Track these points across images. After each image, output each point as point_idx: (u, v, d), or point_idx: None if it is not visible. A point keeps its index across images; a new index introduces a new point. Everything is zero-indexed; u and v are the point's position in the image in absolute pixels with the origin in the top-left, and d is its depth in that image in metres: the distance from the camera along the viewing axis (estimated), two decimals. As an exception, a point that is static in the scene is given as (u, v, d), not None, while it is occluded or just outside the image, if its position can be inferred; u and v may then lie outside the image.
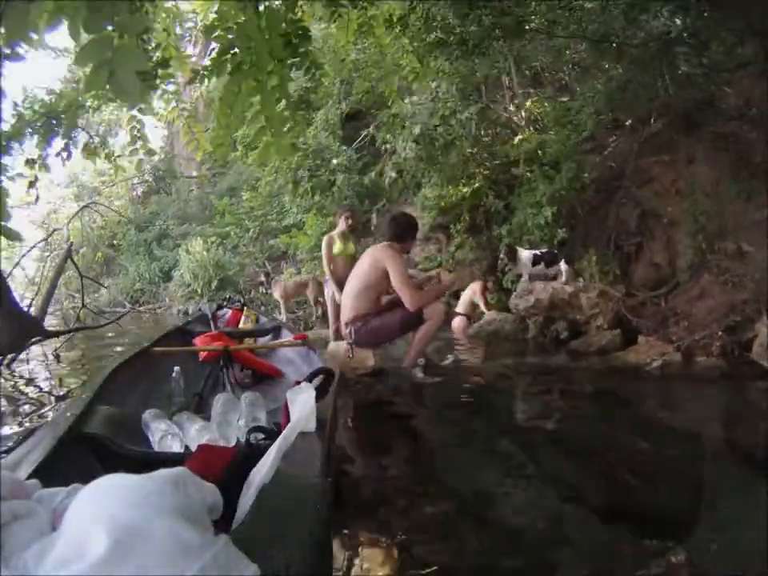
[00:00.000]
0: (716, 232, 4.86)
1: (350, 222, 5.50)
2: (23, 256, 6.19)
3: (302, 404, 1.37)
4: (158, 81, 3.59)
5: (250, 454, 1.27)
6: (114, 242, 14.14)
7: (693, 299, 4.73)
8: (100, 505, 0.68)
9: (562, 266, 5.51)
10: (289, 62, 3.57)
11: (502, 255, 6.06)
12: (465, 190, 7.29)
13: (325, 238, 5.45)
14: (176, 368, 2.51)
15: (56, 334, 4.96)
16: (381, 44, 4.08)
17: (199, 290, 10.77)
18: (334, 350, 4.16)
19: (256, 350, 3.21)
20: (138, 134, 3.85)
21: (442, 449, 2.52)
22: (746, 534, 1.57)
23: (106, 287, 11.51)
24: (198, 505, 0.75)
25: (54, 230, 8.50)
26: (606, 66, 5.78)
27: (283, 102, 3.81)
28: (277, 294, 7.79)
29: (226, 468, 1.21)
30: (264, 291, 10.26)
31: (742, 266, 4.59)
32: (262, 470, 1.09)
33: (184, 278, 11.29)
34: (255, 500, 0.94)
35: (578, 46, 6.42)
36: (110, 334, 7.26)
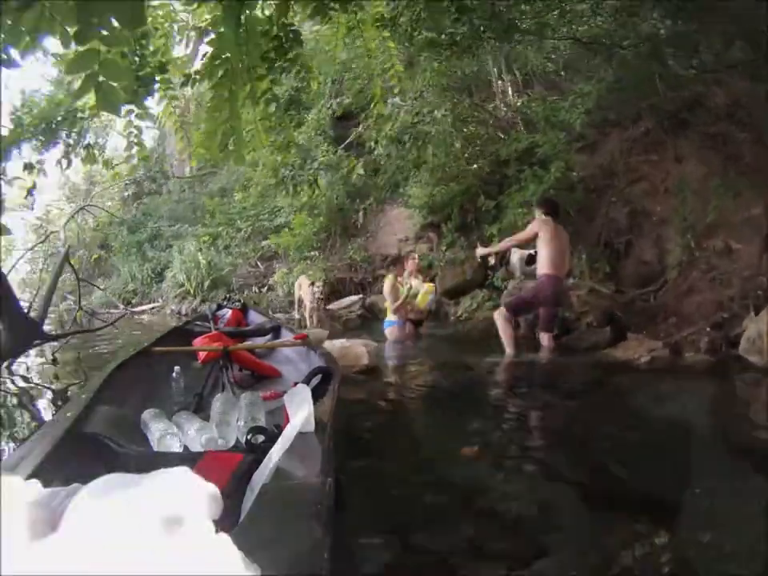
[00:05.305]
0: (704, 230, 4.93)
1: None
2: (20, 259, 6.19)
3: (299, 405, 1.37)
4: (156, 85, 3.61)
5: (254, 460, 1.29)
6: (106, 243, 14.07)
7: (681, 296, 4.79)
8: (100, 505, 0.68)
9: None
10: (279, 65, 3.61)
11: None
12: (455, 188, 7.32)
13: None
14: (176, 368, 2.51)
15: (54, 338, 4.94)
16: (368, 47, 4.10)
17: (192, 290, 10.73)
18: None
19: (256, 350, 3.19)
20: (135, 140, 3.84)
21: (441, 442, 2.60)
22: (728, 518, 1.65)
23: (102, 289, 11.44)
24: (197, 504, 0.75)
25: (51, 233, 8.44)
26: (597, 67, 5.82)
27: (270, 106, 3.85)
28: None
29: (233, 475, 1.23)
30: (257, 291, 10.26)
31: (729, 263, 4.66)
32: (263, 474, 1.10)
33: (177, 278, 11.26)
34: (255, 500, 0.95)
35: (569, 47, 6.48)
36: (103, 337, 7.21)
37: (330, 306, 8.02)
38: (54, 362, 5.21)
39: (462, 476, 2.05)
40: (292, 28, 3.52)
